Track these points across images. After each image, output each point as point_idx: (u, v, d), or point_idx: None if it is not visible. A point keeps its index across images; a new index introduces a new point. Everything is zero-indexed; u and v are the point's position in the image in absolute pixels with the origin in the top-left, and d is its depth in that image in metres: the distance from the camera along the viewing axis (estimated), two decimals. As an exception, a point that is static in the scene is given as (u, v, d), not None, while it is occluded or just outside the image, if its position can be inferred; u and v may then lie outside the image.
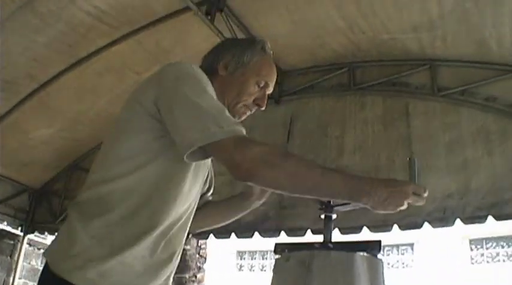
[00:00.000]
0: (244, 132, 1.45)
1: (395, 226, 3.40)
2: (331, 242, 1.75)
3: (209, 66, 1.78)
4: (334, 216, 1.88)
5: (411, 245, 15.54)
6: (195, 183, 1.62)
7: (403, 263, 15.87)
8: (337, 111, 4.00)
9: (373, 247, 1.69)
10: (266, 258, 17.73)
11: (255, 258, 18.11)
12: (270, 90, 1.81)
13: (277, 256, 1.82)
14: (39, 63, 3.83)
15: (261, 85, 1.76)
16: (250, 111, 1.78)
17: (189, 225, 1.68)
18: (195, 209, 1.71)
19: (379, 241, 1.69)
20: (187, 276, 5.19)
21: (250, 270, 18.08)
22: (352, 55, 3.97)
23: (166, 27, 3.67)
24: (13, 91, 4.02)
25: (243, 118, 1.78)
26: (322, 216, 1.89)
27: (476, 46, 3.49)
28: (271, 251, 15.90)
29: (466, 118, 3.54)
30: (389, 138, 3.68)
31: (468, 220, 3.27)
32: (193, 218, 1.79)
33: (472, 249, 14.91)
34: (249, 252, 18.23)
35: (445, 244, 14.37)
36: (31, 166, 5.11)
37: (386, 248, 15.68)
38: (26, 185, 5.32)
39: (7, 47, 3.60)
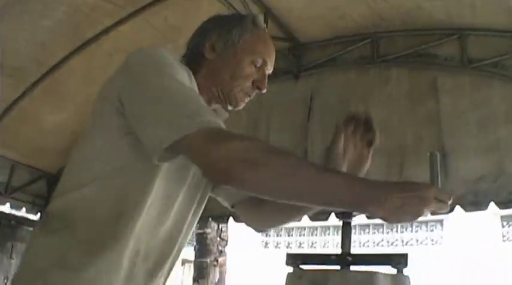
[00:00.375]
0: (221, 124, 1.26)
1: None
2: (349, 254, 1.44)
3: (195, 50, 1.58)
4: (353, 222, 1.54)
5: (440, 221, 15.17)
6: (180, 186, 1.43)
7: (432, 240, 15.58)
8: (360, 86, 3.74)
9: (399, 261, 1.38)
10: (291, 235, 17.64)
11: (280, 236, 17.98)
12: (269, 69, 1.61)
13: (288, 269, 1.50)
14: (45, 48, 3.72)
15: (258, 64, 1.56)
16: (249, 96, 1.57)
17: (183, 235, 1.50)
18: (196, 214, 1.54)
19: (406, 255, 1.39)
20: (208, 260, 5.08)
21: (275, 247, 17.93)
22: (375, 26, 3.69)
23: (174, 3, 3.51)
24: (21, 78, 3.91)
25: (241, 105, 1.57)
26: (340, 222, 1.58)
27: (509, 14, 3.20)
28: (296, 228, 16.04)
29: (498, 93, 3.28)
30: (416, 115, 3.43)
31: (503, 204, 3.06)
32: (255, 218, 1.73)
33: (503, 226, 14.54)
34: (275, 229, 18.16)
35: (475, 221, 13.98)
36: (46, 152, 4.99)
37: (415, 224, 15.40)
38: (43, 171, 5.19)
39: (12, 34, 3.52)
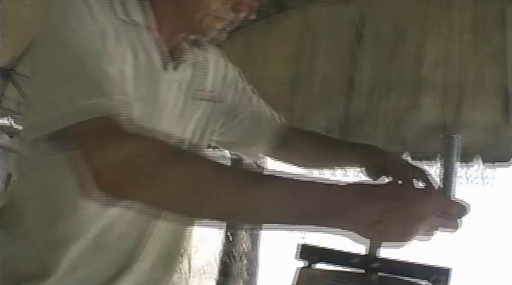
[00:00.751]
0: (125, 108, 0.97)
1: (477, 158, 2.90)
2: (376, 258, 1.10)
3: None
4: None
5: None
6: None
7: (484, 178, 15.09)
8: (418, 12, 3.35)
9: (439, 278, 1.05)
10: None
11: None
12: None
13: (301, 263, 1.21)
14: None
15: None
16: (223, 21, 1.22)
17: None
18: None
19: (448, 270, 1.06)
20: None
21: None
22: None
23: None
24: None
25: (213, 34, 1.25)
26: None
27: None
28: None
29: None
30: (479, 51, 3.07)
31: None
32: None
33: None
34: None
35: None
36: None
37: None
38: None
39: None
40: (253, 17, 1.22)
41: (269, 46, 3.87)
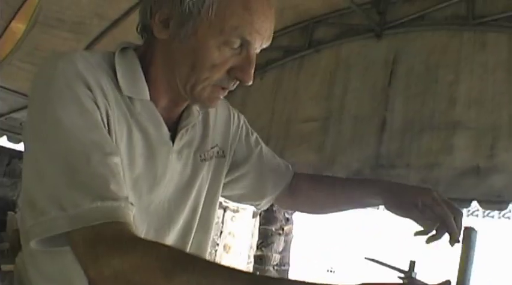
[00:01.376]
0: (119, 213, 0.93)
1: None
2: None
3: (143, 26, 1.15)
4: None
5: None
6: None
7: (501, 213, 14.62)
8: (450, 51, 3.25)
9: None
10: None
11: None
12: (257, 48, 1.13)
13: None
14: (105, 0, 3.46)
15: (235, 45, 1.09)
16: (226, 90, 1.14)
17: None
18: None
19: None
20: (273, 228, 4.90)
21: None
22: (472, -20, 3.16)
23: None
24: (83, 31, 3.68)
25: (215, 104, 1.17)
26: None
27: None
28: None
29: None
30: (513, 91, 2.96)
31: None
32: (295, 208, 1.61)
33: None
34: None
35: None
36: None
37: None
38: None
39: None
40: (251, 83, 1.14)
41: (300, 82, 3.84)
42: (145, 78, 1.16)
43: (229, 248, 7.45)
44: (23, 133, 1.06)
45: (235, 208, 7.32)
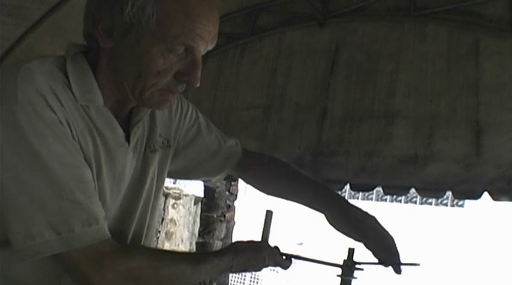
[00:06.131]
0: (103, 233, 1.12)
1: (449, 193, 2.82)
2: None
3: (88, 34, 1.16)
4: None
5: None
6: None
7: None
8: (391, 41, 3.30)
9: None
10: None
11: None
12: (202, 51, 1.15)
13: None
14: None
15: (179, 51, 1.11)
16: (174, 92, 1.16)
17: None
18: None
19: None
20: (215, 215, 4.90)
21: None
22: (414, -27, 3.21)
23: None
24: (23, 16, 3.53)
25: (166, 106, 1.21)
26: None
27: None
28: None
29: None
30: (452, 81, 3.01)
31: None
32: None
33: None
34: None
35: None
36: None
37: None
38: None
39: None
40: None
41: (242, 70, 3.80)
42: None
43: (172, 234, 7.44)
44: None
45: (177, 195, 7.31)
